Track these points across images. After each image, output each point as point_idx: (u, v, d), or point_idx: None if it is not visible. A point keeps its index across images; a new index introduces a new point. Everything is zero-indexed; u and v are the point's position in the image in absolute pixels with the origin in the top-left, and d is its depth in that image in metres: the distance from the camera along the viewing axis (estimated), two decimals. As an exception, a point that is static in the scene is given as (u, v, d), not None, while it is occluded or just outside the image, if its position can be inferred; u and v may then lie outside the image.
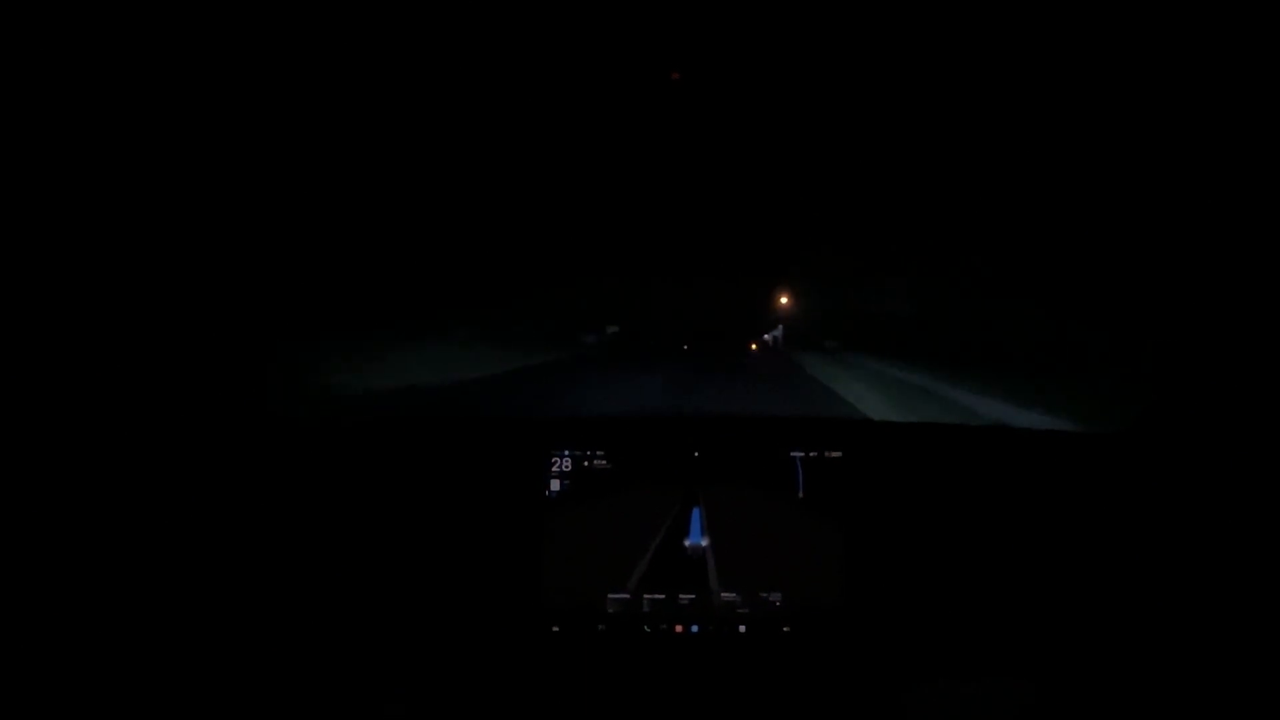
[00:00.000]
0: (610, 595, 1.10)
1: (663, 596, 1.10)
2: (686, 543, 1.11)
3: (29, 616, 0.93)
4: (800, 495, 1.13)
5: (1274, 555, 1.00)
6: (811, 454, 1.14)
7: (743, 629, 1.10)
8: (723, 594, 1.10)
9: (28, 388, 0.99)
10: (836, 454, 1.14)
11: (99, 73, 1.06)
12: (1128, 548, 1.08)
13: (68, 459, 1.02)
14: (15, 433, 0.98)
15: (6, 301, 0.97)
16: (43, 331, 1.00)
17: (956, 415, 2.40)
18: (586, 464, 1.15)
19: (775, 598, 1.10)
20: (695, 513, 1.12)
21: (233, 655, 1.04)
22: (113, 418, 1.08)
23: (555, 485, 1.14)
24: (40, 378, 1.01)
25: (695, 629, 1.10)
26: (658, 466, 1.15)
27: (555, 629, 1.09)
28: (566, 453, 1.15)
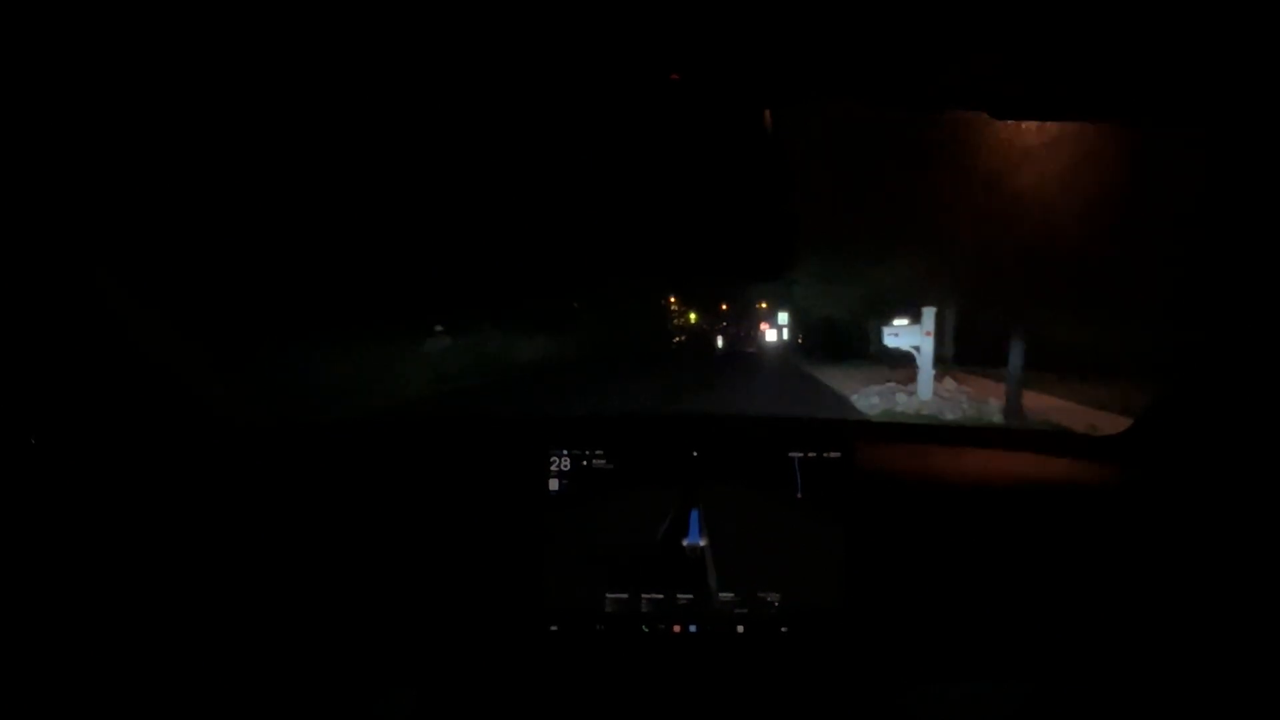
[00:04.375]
0: (609, 595, 1.11)
1: (661, 596, 1.12)
2: (685, 543, 1.13)
3: (28, 618, 0.95)
4: (799, 496, 1.14)
5: (1274, 557, 1.00)
6: (810, 454, 1.15)
7: (741, 629, 1.11)
8: (721, 594, 1.12)
9: (22, 391, 1.01)
10: (835, 454, 1.15)
11: (91, 78, 1.07)
12: (1127, 549, 1.09)
13: (64, 462, 1.03)
14: (7, 436, 0.99)
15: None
16: (36, 334, 1.01)
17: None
18: (586, 463, 1.16)
19: (773, 598, 1.11)
20: (694, 513, 1.13)
21: (236, 654, 1.06)
22: (114, 418, 1.09)
23: (554, 484, 1.16)
24: (35, 381, 1.02)
25: (694, 629, 1.12)
26: (657, 466, 1.16)
27: (554, 628, 1.10)
28: (565, 452, 1.16)
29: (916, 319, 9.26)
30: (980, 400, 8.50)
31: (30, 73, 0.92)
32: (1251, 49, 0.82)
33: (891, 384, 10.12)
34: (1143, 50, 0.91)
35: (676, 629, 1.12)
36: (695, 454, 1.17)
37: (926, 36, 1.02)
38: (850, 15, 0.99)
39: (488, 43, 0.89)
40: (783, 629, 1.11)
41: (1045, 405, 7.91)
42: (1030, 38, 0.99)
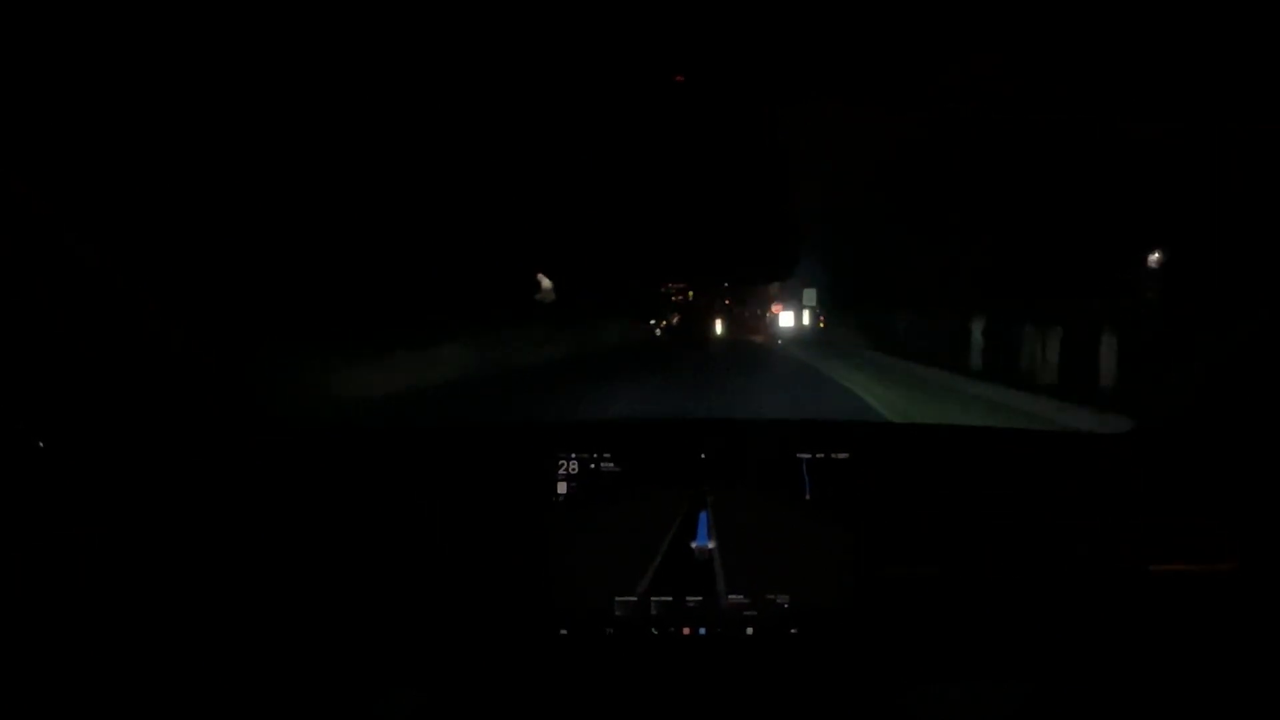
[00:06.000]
0: (618, 598, 1.12)
1: (670, 599, 1.12)
2: (694, 545, 1.13)
3: (35, 618, 0.95)
4: (807, 497, 1.15)
5: (1274, 559, 1.02)
6: (818, 455, 1.16)
7: (750, 631, 1.12)
8: (730, 596, 1.13)
9: (31, 394, 1.01)
10: (843, 455, 1.16)
11: (90, 81, 1.07)
12: (1132, 549, 1.10)
13: (73, 465, 1.03)
14: (19, 439, 1.00)
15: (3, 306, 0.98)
16: (44, 338, 1.01)
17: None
18: (594, 467, 1.17)
19: (783, 600, 1.12)
20: (702, 515, 1.14)
21: (244, 654, 1.06)
22: (124, 421, 1.10)
23: (563, 488, 1.16)
24: (43, 384, 1.02)
25: (703, 631, 1.12)
26: (665, 469, 1.18)
27: (564, 632, 1.11)
28: (573, 456, 1.17)
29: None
30: None
31: (40, 75, 0.93)
32: (1250, 49, 0.84)
33: None
34: (1141, 50, 0.93)
35: (686, 631, 1.13)
36: (703, 456, 1.17)
37: (926, 36, 1.04)
38: (850, 16, 1.00)
39: (492, 49, 0.90)
40: (792, 630, 1.12)
41: None
42: (1030, 38, 1.01)
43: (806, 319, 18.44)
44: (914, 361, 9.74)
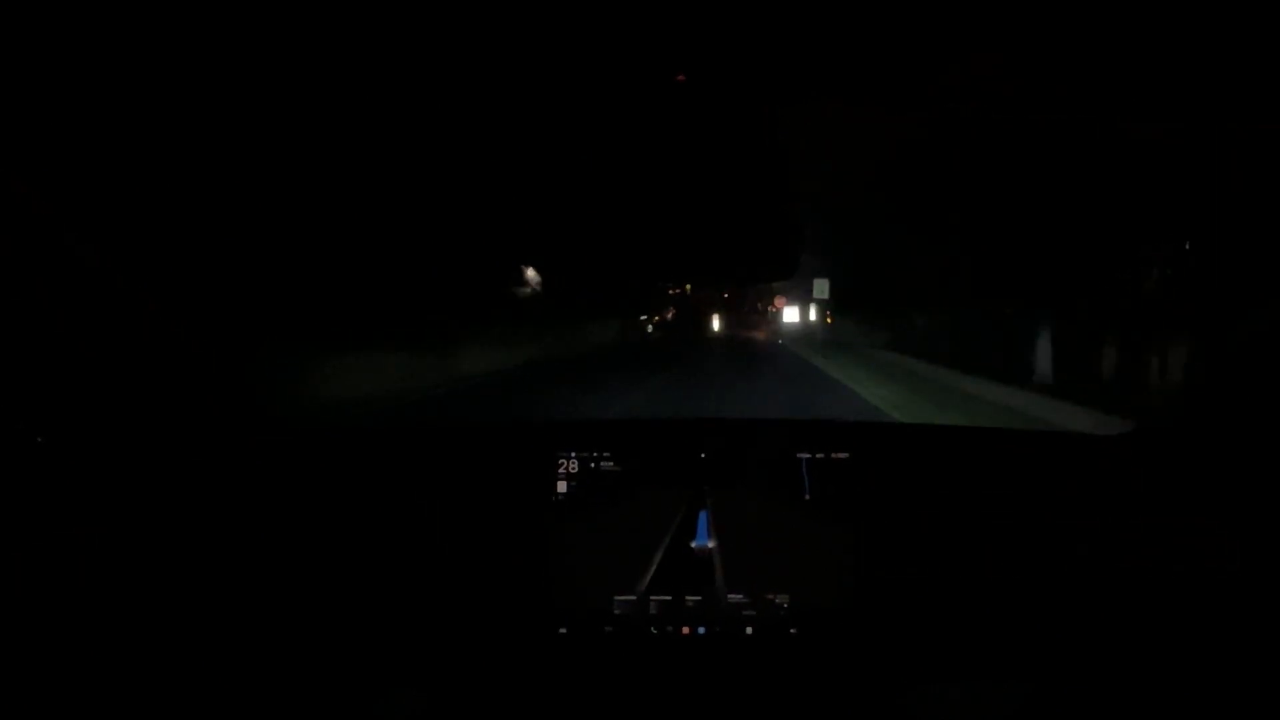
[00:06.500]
0: (617, 597, 1.12)
1: (670, 598, 1.12)
2: (694, 544, 1.13)
3: (31, 619, 0.95)
4: (807, 497, 1.15)
5: (1273, 559, 1.02)
6: (818, 455, 1.17)
7: (750, 631, 1.12)
8: (730, 596, 1.13)
9: (31, 393, 1.01)
10: (843, 455, 1.16)
11: (90, 81, 1.08)
12: (1132, 549, 1.10)
13: (73, 462, 1.04)
14: (19, 438, 1.00)
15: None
16: (44, 337, 1.01)
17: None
18: (593, 466, 1.18)
19: (782, 599, 1.12)
20: (702, 514, 1.14)
21: (243, 655, 1.06)
22: (124, 420, 1.10)
23: (562, 487, 1.16)
24: (43, 383, 1.02)
25: (702, 631, 1.12)
26: (665, 468, 1.18)
27: (563, 631, 1.11)
28: (573, 454, 1.17)
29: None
30: None
31: (39, 75, 0.93)
32: (1250, 49, 0.84)
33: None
34: (1141, 50, 0.93)
35: (685, 631, 1.13)
36: (703, 455, 1.18)
37: (926, 36, 1.04)
38: (850, 16, 1.01)
39: (492, 48, 0.91)
40: (792, 630, 1.12)
41: None
42: (1030, 38, 1.01)
43: (813, 314, 16.62)
44: (949, 368, 7.91)
